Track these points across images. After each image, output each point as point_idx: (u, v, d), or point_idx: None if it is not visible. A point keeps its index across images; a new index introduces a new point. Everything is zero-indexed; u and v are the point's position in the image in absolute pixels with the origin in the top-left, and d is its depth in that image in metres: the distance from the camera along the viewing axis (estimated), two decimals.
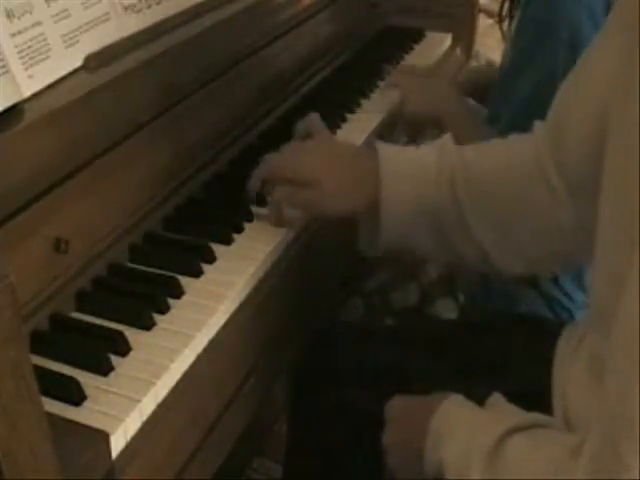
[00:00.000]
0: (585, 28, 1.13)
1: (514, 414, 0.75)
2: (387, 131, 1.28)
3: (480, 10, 1.87)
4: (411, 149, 0.95)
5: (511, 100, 1.19)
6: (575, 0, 1.13)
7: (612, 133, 0.68)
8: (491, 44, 2.17)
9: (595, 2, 1.13)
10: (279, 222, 0.95)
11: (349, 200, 0.92)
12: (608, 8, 1.14)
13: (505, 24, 1.38)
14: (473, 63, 1.86)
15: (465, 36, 1.72)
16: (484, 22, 2.03)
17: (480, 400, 0.79)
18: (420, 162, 0.93)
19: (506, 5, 1.36)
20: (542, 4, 1.16)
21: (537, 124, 0.91)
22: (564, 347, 0.85)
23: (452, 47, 1.68)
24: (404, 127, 1.37)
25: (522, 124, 1.17)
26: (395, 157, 0.93)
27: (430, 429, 0.77)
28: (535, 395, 0.79)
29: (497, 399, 0.79)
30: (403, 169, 0.92)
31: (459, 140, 1.29)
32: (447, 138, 0.95)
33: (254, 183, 0.98)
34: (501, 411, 0.77)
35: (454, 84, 1.56)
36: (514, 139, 0.94)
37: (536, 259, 0.90)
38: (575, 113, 0.78)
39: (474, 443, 0.71)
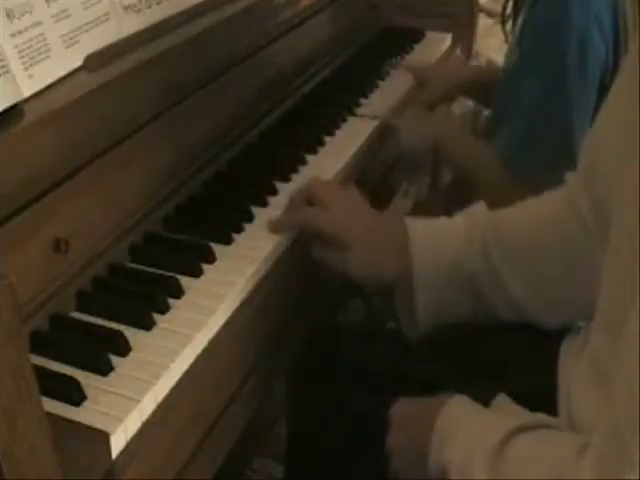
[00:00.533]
0: (592, 32, 1.13)
1: (519, 415, 0.75)
2: (388, 131, 1.28)
3: (480, 10, 1.88)
4: (440, 219, 0.95)
5: (519, 101, 1.19)
6: (582, 3, 1.13)
7: (620, 168, 0.68)
8: (491, 44, 2.17)
9: (601, 8, 1.14)
10: (278, 229, 0.95)
11: (376, 268, 0.91)
12: (614, 15, 1.15)
13: (507, 25, 1.38)
14: (473, 63, 1.86)
15: (465, 36, 1.73)
16: (484, 22, 2.03)
17: (482, 403, 0.79)
18: (450, 229, 0.93)
19: (509, 6, 1.36)
20: (550, 6, 1.16)
21: (569, 173, 0.90)
22: (568, 349, 0.85)
23: (452, 47, 1.68)
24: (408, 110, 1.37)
25: (533, 125, 1.18)
26: (424, 227, 0.93)
27: (434, 430, 0.76)
28: (538, 397, 0.78)
29: (503, 400, 0.79)
30: (433, 238, 0.92)
31: (461, 165, 1.30)
32: (478, 205, 0.95)
33: (293, 206, 0.97)
34: (506, 412, 0.77)
35: (449, 115, 1.56)
36: (546, 193, 0.93)
37: (574, 307, 0.88)
38: (603, 149, 0.78)
39: (478, 443, 0.71)
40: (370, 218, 0.95)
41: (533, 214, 0.93)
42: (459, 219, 0.94)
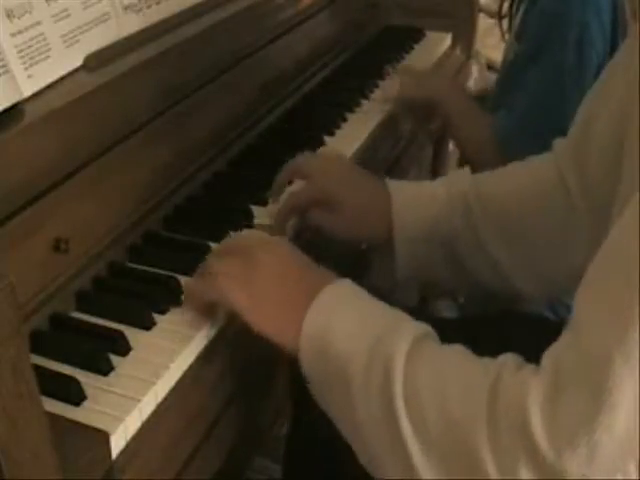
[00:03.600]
0: (592, 26, 1.14)
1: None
2: (388, 130, 1.29)
3: (480, 10, 1.88)
4: (422, 182, 0.97)
5: (518, 93, 1.21)
6: None
7: (628, 141, 0.68)
8: (491, 44, 2.17)
9: (602, 2, 1.14)
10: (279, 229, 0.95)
11: (362, 229, 0.94)
12: (614, 8, 1.15)
13: (505, 22, 1.39)
14: (473, 63, 1.87)
15: (465, 36, 1.72)
16: (484, 22, 2.03)
17: None
18: (431, 190, 0.94)
19: (506, 3, 1.37)
20: (551, 1, 1.17)
21: (557, 141, 0.91)
22: None
23: (452, 47, 1.68)
24: (405, 122, 1.38)
25: (530, 117, 1.19)
26: (405, 188, 0.95)
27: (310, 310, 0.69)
28: None
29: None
30: (414, 198, 0.93)
31: (460, 125, 1.31)
32: (461, 171, 0.96)
33: (280, 183, 0.98)
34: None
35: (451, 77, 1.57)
36: (533, 159, 0.94)
37: (554, 278, 0.89)
38: (596, 126, 0.78)
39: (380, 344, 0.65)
40: (355, 180, 0.97)
41: (518, 179, 0.93)
42: (441, 180, 0.96)
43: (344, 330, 0.67)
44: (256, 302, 0.73)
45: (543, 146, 1.17)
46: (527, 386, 0.56)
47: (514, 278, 0.90)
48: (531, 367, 0.59)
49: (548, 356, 0.58)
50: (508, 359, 0.62)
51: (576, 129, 0.85)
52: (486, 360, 0.63)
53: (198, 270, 0.82)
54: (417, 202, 0.93)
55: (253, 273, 0.74)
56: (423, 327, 0.68)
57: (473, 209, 0.90)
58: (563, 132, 1.15)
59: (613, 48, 1.17)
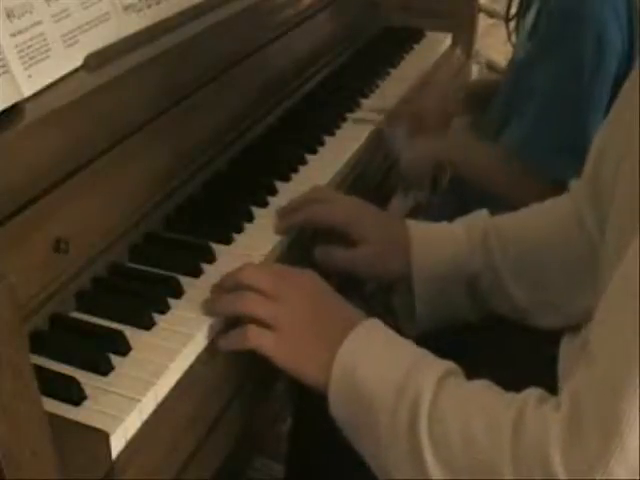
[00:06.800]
0: (610, 25, 1.13)
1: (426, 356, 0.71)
2: (388, 130, 1.28)
3: (480, 10, 1.88)
4: (441, 223, 0.96)
5: (531, 92, 1.20)
6: None
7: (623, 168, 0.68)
8: (491, 44, 2.17)
9: (619, 2, 1.14)
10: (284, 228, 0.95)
11: (383, 266, 0.92)
12: (630, 11, 1.15)
13: (511, 24, 1.38)
14: (473, 63, 1.87)
15: (465, 36, 1.73)
16: (484, 22, 2.03)
17: None
18: (450, 231, 0.94)
19: (514, 5, 1.36)
20: None
21: (573, 182, 0.91)
22: (568, 347, 0.85)
23: (452, 47, 1.68)
24: (405, 124, 1.38)
25: (545, 115, 1.18)
26: (424, 227, 0.94)
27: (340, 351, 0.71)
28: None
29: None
30: (433, 237, 0.93)
31: (467, 169, 1.31)
32: (479, 211, 0.95)
33: (295, 206, 0.97)
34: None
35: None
36: (549, 201, 0.94)
37: (575, 315, 0.88)
38: (607, 161, 0.77)
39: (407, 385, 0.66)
40: (377, 215, 0.96)
41: (536, 220, 0.93)
42: (460, 222, 0.95)
43: (372, 371, 0.69)
44: (286, 349, 0.74)
45: (562, 150, 1.16)
46: (548, 422, 0.58)
47: (533, 315, 0.90)
48: (553, 401, 0.60)
49: (567, 391, 0.59)
50: (531, 393, 0.63)
51: (589, 164, 0.85)
52: (510, 395, 0.64)
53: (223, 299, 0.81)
54: (436, 241, 0.93)
55: (282, 316, 0.75)
56: (448, 365, 0.69)
57: (492, 248, 0.90)
58: (584, 132, 1.14)
59: (630, 45, 1.17)
